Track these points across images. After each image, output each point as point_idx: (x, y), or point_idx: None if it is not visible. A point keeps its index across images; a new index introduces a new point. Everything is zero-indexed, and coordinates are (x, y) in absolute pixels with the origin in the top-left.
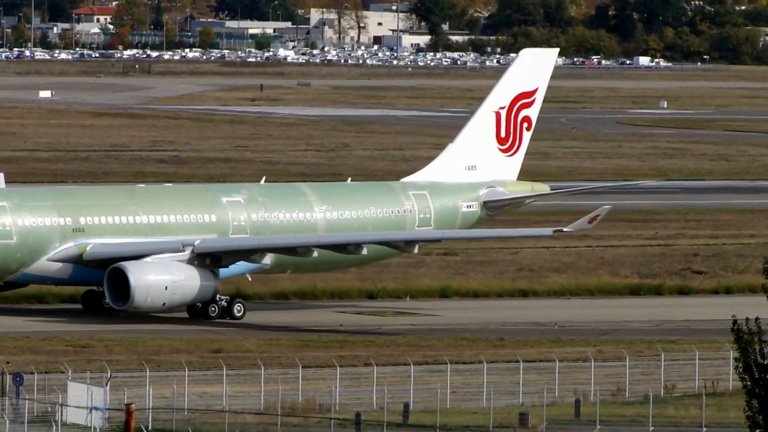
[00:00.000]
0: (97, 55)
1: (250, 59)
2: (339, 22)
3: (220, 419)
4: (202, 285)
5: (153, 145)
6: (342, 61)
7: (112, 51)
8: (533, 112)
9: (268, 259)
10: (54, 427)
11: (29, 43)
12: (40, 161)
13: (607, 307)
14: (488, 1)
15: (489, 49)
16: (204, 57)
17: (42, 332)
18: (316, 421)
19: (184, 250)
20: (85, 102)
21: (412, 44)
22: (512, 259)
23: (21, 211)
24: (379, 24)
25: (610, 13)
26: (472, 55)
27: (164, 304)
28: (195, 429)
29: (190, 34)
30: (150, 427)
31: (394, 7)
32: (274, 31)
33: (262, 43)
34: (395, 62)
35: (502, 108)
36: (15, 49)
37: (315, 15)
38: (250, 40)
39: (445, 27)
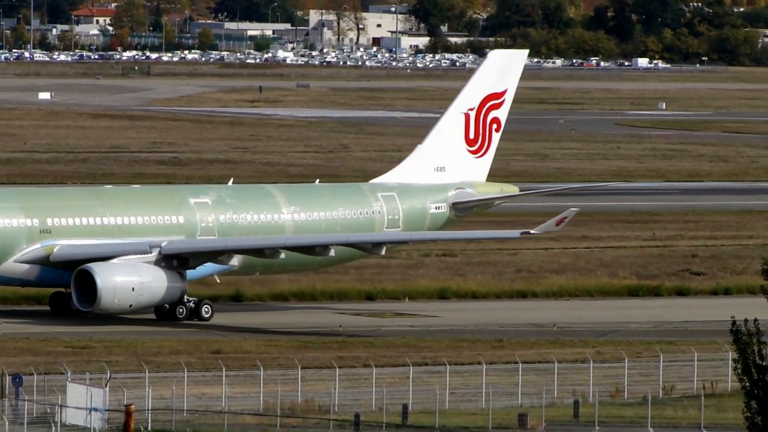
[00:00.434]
0: (97, 56)
1: (249, 61)
2: (338, 23)
3: (220, 420)
4: (170, 286)
5: (152, 146)
6: (341, 62)
7: (111, 52)
8: (502, 114)
9: (235, 261)
10: (53, 428)
11: (28, 45)
12: (39, 162)
13: (605, 308)
14: (487, 3)
15: (488, 51)
16: (203, 58)
17: (41, 333)
18: (316, 422)
19: (151, 252)
20: (84, 103)
21: (411, 46)
22: (511, 261)
23: None
24: (378, 25)
25: (608, 14)
26: (471, 56)
27: (131, 305)
28: (194, 430)
29: (189, 35)
30: (149, 428)
31: (393, 9)
32: (273, 33)
33: (261, 44)
34: (394, 64)
35: (471, 109)
36: (14, 50)
37: (314, 16)
38: (249, 42)
39: (444, 28)
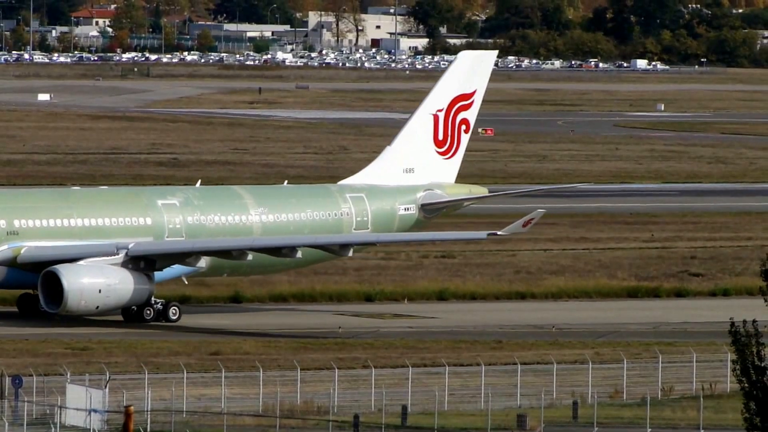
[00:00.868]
0: (96, 58)
1: (248, 62)
2: (337, 25)
3: (219, 421)
4: (137, 288)
5: (151, 147)
6: (340, 64)
7: (110, 54)
8: (471, 115)
9: (203, 262)
10: (53, 430)
11: (28, 47)
12: (38, 164)
13: (604, 309)
14: (486, 4)
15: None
16: (202, 60)
17: (41, 335)
18: (315, 423)
19: (118, 253)
20: (83, 105)
21: (410, 47)
22: (510, 262)
23: None
24: (377, 27)
25: (607, 16)
26: None
27: (98, 307)
28: (193, 431)
29: (188, 37)
30: (149, 429)
31: (392, 10)
32: (273, 34)
33: (260, 46)
34: (393, 65)
35: (440, 110)
36: (14, 52)
37: (313, 18)
38: (248, 43)
39: (443, 30)
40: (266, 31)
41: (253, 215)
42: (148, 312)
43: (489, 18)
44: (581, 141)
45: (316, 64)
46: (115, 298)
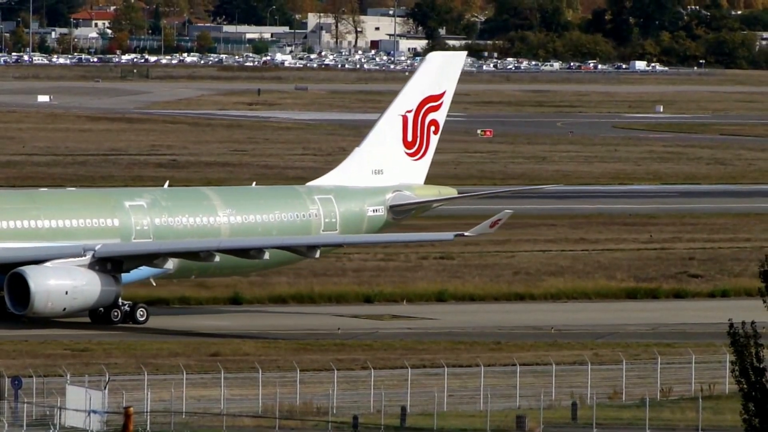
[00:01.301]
0: (96, 59)
1: (247, 63)
2: (336, 26)
3: (218, 422)
4: (104, 290)
5: (151, 149)
6: (339, 65)
7: (110, 55)
8: (441, 116)
9: (170, 264)
10: (52, 431)
11: (27, 48)
12: (38, 165)
13: (603, 310)
14: (485, 6)
15: (486, 54)
16: (202, 61)
17: (40, 336)
18: (314, 424)
19: (85, 255)
20: (83, 106)
21: (409, 49)
22: (508, 263)
23: None
24: (377, 28)
25: (606, 17)
26: (468, 59)
27: (65, 309)
28: None
29: (188, 38)
30: (148, 430)
31: (391, 12)
32: (272, 36)
33: (259, 47)
34: (392, 66)
35: (409, 111)
36: (13, 53)
37: (312, 19)
38: (247, 45)
39: (442, 31)
40: (265, 32)
41: (221, 217)
42: (116, 314)
43: (488, 19)
44: (580, 142)
45: (315, 65)
46: (82, 299)
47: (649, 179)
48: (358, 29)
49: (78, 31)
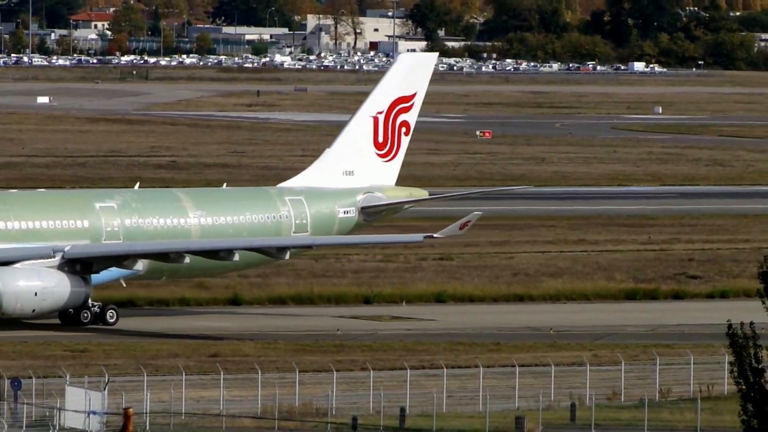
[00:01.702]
0: (95, 61)
1: (247, 65)
2: (335, 28)
3: (218, 423)
4: (73, 291)
5: (150, 150)
6: (338, 66)
7: (109, 57)
8: (412, 117)
9: (140, 265)
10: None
11: (27, 49)
12: (38, 167)
13: (602, 311)
14: (484, 7)
15: (485, 55)
16: (201, 63)
17: (40, 337)
18: (313, 425)
19: (54, 256)
20: (82, 108)
21: (408, 50)
22: (508, 264)
23: None
24: (376, 30)
25: (605, 18)
26: (468, 60)
27: (34, 310)
28: None
29: (187, 39)
30: (148, 431)
31: (390, 13)
32: (271, 37)
33: (259, 48)
34: None
35: (380, 113)
36: (13, 55)
37: (311, 21)
38: (247, 46)
39: (441, 33)
40: (265, 34)
41: (191, 218)
42: (86, 315)
43: (487, 21)
44: (579, 143)
45: (314, 66)
46: (52, 301)
47: (648, 180)
48: (357, 30)
49: (77, 33)
